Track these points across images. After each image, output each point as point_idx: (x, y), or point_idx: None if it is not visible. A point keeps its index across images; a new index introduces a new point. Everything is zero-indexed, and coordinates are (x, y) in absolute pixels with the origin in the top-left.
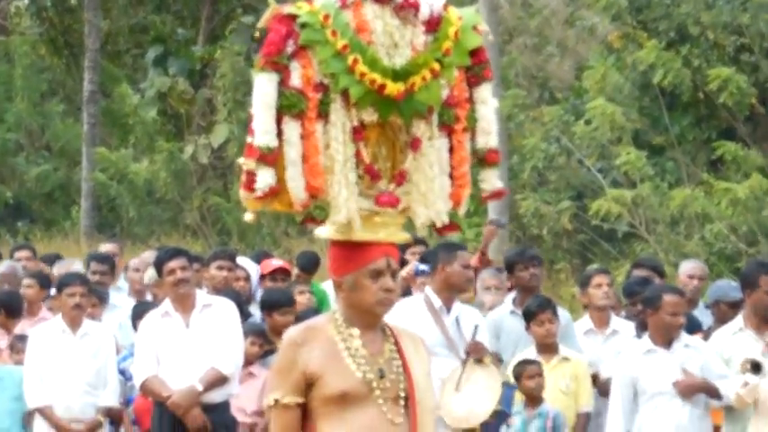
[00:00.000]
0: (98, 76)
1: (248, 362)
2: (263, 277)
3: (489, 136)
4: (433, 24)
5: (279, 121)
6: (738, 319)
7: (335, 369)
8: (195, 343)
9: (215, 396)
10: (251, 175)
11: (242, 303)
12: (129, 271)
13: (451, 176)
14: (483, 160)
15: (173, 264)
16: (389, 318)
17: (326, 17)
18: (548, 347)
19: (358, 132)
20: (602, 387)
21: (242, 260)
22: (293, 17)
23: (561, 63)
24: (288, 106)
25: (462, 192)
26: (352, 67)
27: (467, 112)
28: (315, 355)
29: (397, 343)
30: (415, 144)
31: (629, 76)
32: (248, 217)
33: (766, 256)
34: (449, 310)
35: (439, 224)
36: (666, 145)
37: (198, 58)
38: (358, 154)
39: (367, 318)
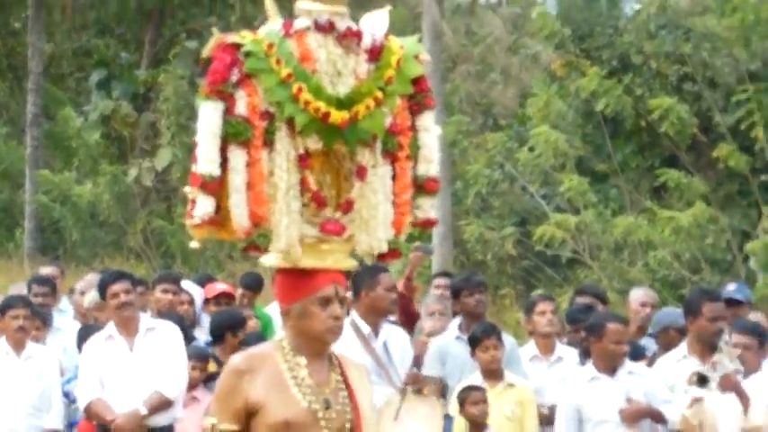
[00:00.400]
0: (41, 99)
1: (191, 386)
2: (207, 301)
3: (430, 164)
4: (376, 53)
5: (223, 150)
6: (682, 347)
7: (280, 398)
8: (139, 366)
9: (159, 420)
10: (194, 203)
11: (186, 327)
12: (75, 294)
13: (393, 204)
14: (422, 188)
15: (116, 287)
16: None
17: (270, 46)
18: (493, 373)
19: (303, 160)
20: (543, 415)
21: (186, 284)
22: (237, 46)
23: (505, 90)
24: (234, 134)
25: (404, 219)
26: (297, 96)
27: (409, 139)
28: (258, 384)
29: (343, 373)
30: (360, 172)
31: (572, 104)
32: (194, 244)
33: (709, 284)
34: (377, 334)
35: (377, 252)
36: (610, 172)
37: (141, 81)
38: (304, 181)
39: (315, 346)
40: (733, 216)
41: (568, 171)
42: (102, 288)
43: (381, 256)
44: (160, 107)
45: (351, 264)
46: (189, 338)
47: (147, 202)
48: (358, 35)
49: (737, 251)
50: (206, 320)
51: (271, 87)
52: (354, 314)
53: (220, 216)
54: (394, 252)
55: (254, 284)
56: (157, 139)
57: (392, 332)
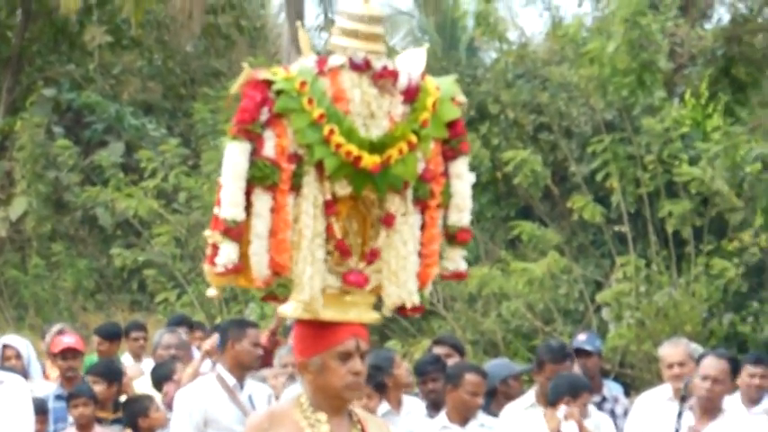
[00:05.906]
0: None
1: None
2: (54, 355)
3: (462, 213)
4: (411, 94)
5: (247, 193)
6: (530, 395)
7: None
8: None
9: None
10: (216, 249)
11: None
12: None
13: (420, 254)
14: (453, 238)
15: None
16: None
17: (303, 84)
18: None
19: (330, 206)
20: None
21: (10, 338)
22: (269, 83)
23: None
24: (260, 178)
25: (429, 271)
26: (328, 138)
27: (441, 187)
28: None
29: (363, 429)
30: (388, 220)
31: None
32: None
33: (561, 334)
34: (242, 387)
35: (410, 305)
36: None
37: None
38: (329, 229)
39: (335, 402)
40: (587, 266)
41: None
42: None
43: (402, 310)
44: (16, 155)
45: (374, 317)
46: None
47: (0, 252)
48: (394, 75)
49: (590, 301)
50: (36, 372)
51: (301, 129)
52: (219, 366)
53: (242, 263)
54: (417, 306)
55: (110, 335)
56: (13, 188)
57: (256, 386)
